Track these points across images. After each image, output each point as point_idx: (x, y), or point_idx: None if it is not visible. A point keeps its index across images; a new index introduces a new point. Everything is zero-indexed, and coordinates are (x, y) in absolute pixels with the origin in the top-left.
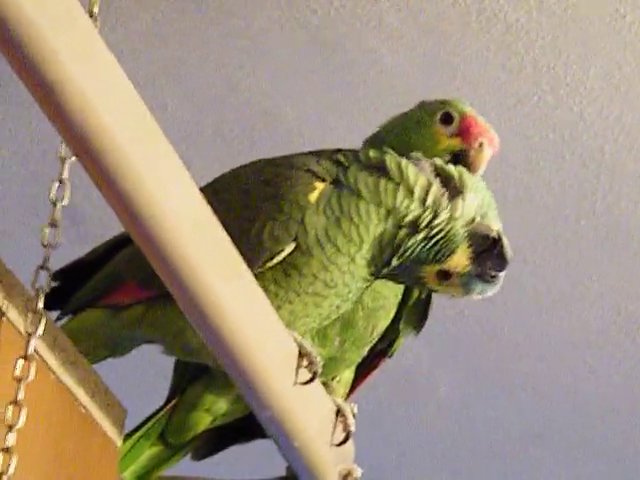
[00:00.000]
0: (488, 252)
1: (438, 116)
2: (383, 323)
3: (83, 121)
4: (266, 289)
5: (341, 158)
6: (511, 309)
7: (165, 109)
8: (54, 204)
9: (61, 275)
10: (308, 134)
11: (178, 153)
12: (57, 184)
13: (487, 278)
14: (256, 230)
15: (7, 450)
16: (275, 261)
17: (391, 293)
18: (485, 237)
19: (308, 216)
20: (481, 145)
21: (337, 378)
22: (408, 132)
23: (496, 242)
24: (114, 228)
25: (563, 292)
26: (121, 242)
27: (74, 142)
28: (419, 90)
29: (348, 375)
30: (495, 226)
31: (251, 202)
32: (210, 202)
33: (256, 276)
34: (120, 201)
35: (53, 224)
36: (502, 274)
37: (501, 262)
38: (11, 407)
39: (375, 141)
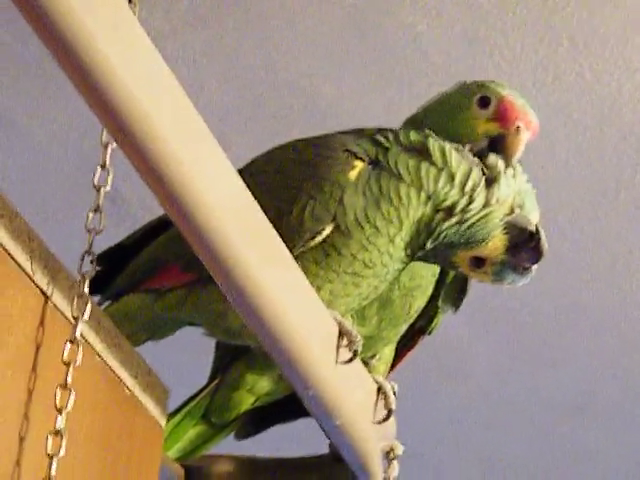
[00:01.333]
0: (524, 244)
1: (475, 100)
2: (420, 301)
3: (121, 107)
4: (306, 269)
5: (381, 139)
6: (551, 283)
7: (203, 90)
8: (97, 190)
9: (100, 260)
10: (346, 113)
11: (216, 134)
12: (100, 169)
13: (520, 269)
14: (297, 210)
15: (57, 433)
16: (316, 241)
17: (428, 272)
18: (523, 229)
19: (347, 196)
20: (518, 129)
21: (377, 356)
22: (446, 116)
23: (533, 235)
24: (154, 209)
25: (603, 265)
26: (158, 226)
27: (113, 128)
28: (457, 67)
29: (388, 353)
30: (534, 218)
31: (290, 183)
32: (247, 184)
33: (297, 257)
34: (160, 186)
35: (97, 209)
36: (535, 267)
37: (536, 255)
38: (60, 390)
39: (414, 123)
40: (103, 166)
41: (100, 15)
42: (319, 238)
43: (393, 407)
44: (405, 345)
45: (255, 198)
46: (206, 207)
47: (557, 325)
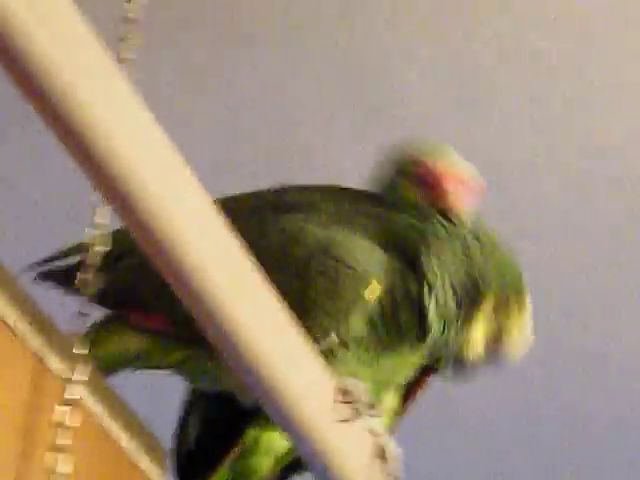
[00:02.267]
0: None
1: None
2: None
3: (113, 172)
4: None
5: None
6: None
7: (195, 144)
8: (87, 249)
9: None
10: (344, 165)
11: (211, 189)
12: (90, 229)
13: None
14: (308, 321)
15: None
16: (319, 348)
17: None
18: None
19: (356, 315)
20: (447, 198)
21: (381, 405)
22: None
23: None
24: None
25: None
26: None
27: (104, 193)
28: (446, 120)
29: (392, 400)
30: None
31: (306, 290)
32: (265, 256)
33: None
34: (156, 250)
35: (89, 271)
36: None
37: None
38: (51, 453)
39: None
40: (94, 225)
41: (86, 74)
42: (326, 346)
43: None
44: (413, 385)
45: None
46: (198, 267)
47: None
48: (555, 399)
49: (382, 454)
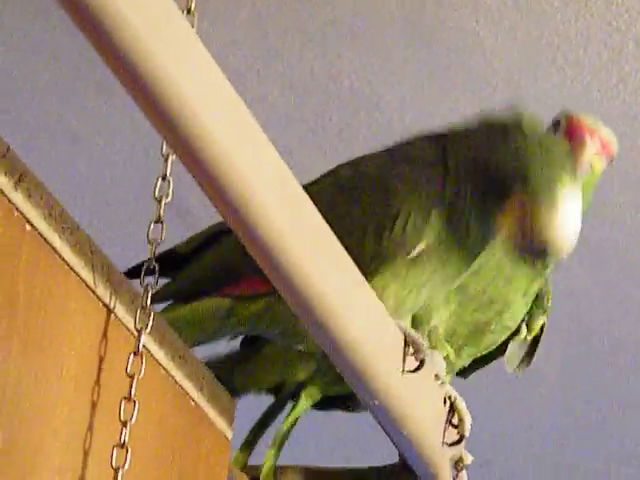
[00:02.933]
0: None
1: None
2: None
3: (180, 119)
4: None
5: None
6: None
7: (266, 99)
8: (159, 201)
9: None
10: (409, 119)
11: (279, 143)
12: (160, 181)
13: None
14: (400, 225)
15: (122, 446)
16: (417, 251)
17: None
18: None
19: (437, 212)
20: (583, 144)
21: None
22: None
23: None
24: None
25: None
26: (219, 233)
27: (171, 140)
28: (520, 71)
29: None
30: None
31: (389, 199)
32: (335, 197)
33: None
34: (220, 197)
35: (158, 220)
36: None
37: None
38: (124, 403)
39: None
40: (164, 177)
41: (156, 28)
42: (420, 248)
43: (466, 434)
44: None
45: (346, 213)
46: (268, 218)
47: (626, 332)
48: None
49: (452, 409)
